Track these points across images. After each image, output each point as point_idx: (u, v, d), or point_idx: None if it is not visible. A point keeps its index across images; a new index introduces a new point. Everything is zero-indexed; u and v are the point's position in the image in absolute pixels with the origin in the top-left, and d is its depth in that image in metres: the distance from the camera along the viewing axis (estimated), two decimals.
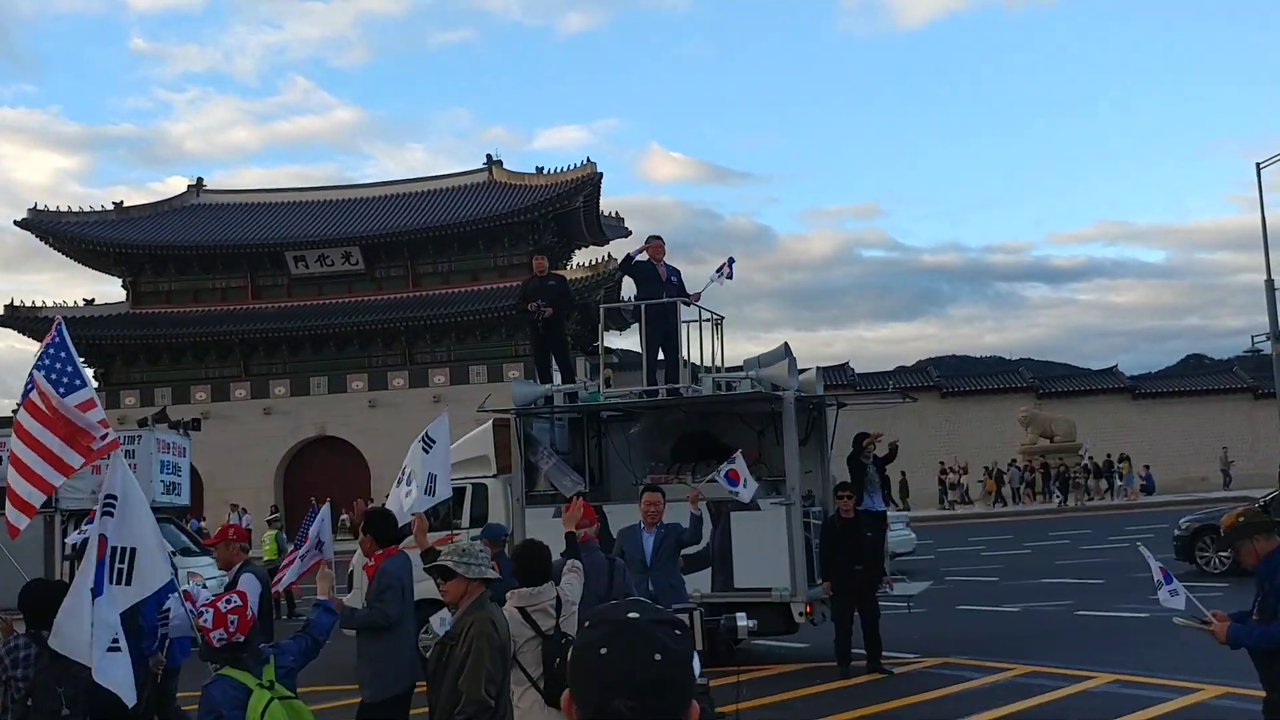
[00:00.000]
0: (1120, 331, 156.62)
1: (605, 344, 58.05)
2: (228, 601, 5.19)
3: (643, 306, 13.12)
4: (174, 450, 19.10)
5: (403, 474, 9.54)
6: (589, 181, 53.98)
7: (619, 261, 13.39)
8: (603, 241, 59.70)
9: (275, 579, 9.78)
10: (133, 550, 6.38)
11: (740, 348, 16.81)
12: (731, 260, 13.50)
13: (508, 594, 6.29)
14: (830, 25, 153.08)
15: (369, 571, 8.95)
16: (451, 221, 53.67)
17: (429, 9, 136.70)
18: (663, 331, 13.20)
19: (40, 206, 55.55)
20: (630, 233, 60.07)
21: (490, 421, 14.26)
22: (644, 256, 13.34)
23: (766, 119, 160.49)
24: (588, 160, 54.67)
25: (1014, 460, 49.66)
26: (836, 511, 12.19)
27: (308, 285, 54.58)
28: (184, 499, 19.73)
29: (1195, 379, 62.01)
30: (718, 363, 13.74)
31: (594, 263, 53.56)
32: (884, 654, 12.21)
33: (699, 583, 12.05)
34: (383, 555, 7.52)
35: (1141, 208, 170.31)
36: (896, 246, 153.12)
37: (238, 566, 7.76)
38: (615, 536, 12.99)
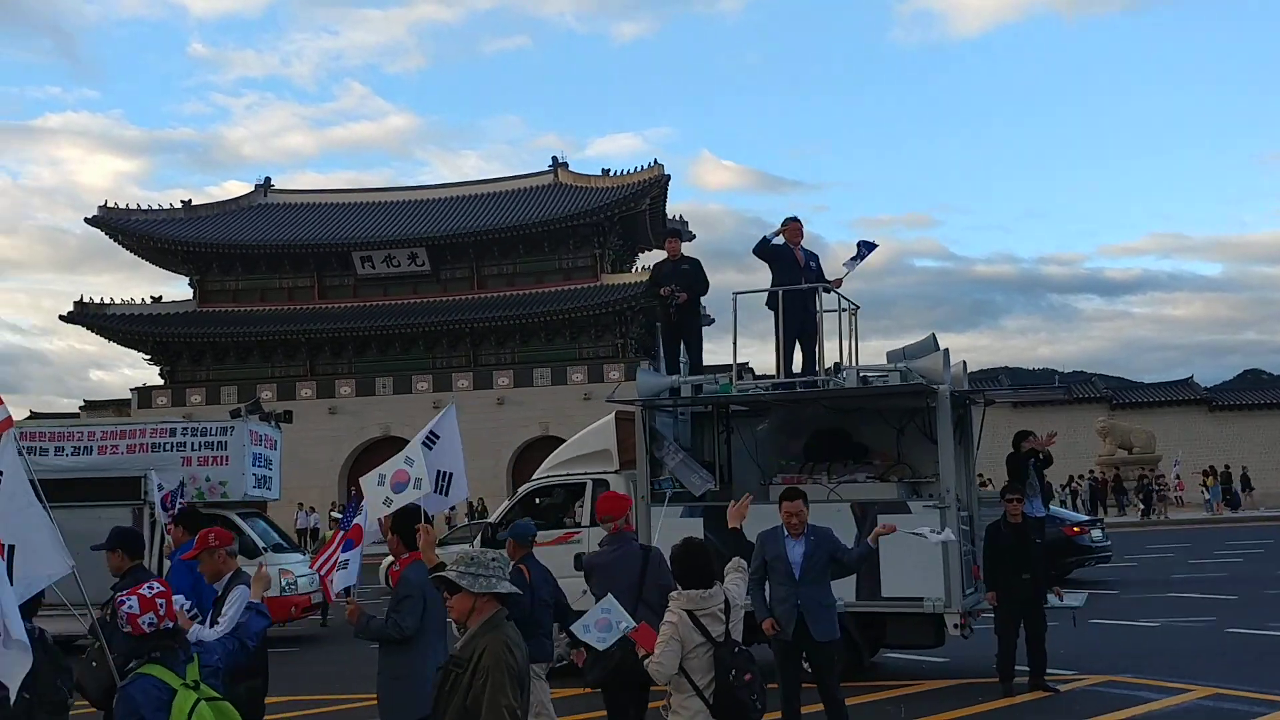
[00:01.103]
0: (1176, 345, 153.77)
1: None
2: (150, 588, 4.74)
3: (780, 294, 12.27)
4: (265, 442, 18.55)
5: (385, 474, 8.62)
6: (656, 184, 53.31)
7: (757, 243, 12.47)
8: None
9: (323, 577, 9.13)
10: (10, 547, 5.65)
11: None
12: (870, 244, 12.61)
13: (671, 595, 5.81)
14: (883, 34, 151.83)
15: (393, 576, 8.24)
16: (517, 223, 53.24)
17: (484, 16, 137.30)
18: (800, 320, 12.34)
19: (111, 204, 55.74)
20: (694, 236, 59.34)
21: (612, 414, 13.48)
22: (780, 240, 12.48)
23: (818, 127, 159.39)
24: (655, 162, 54.08)
25: (1091, 471, 48.25)
26: (1003, 516, 11.26)
27: (374, 286, 54.34)
28: (274, 493, 19.19)
29: (1269, 392, 60.10)
30: (851, 356, 12.85)
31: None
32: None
33: (842, 591, 11.10)
34: (409, 560, 6.91)
35: (1197, 220, 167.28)
36: (949, 256, 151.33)
37: (228, 577, 6.72)
38: (752, 540, 12.20)
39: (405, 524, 7.05)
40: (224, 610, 6.46)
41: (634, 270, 55.81)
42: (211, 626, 6.50)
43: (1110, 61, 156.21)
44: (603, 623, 6.14)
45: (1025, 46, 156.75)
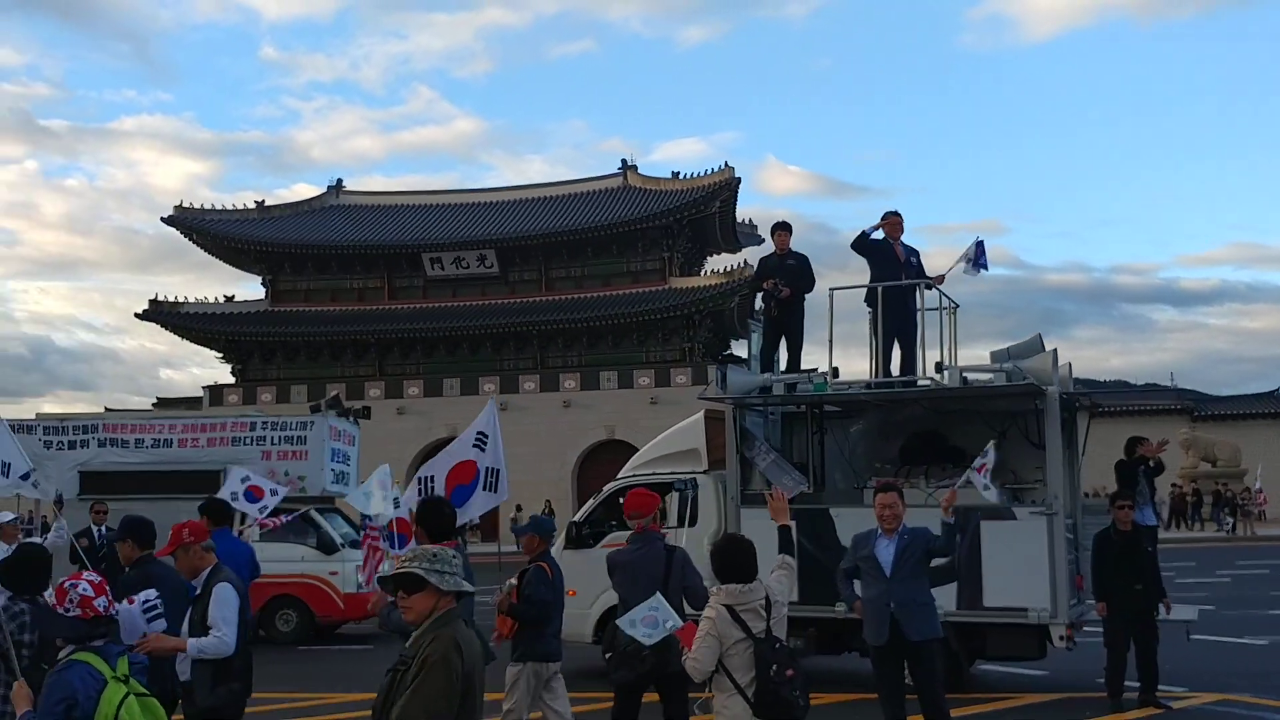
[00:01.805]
0: (1253, 358, 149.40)
1: (732, 351, 56.59)
2: (90, 575, 4.68)
3: (879, 290, 11.87)
4: (344, 438, 18.47)
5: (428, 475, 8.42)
6: (726, 186, 52.87)
7: (855, 238, 12.06)
8: (736, 249, 58.55)
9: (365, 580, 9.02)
10: None
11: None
12: (980, 244, 12.17)
13: (711, 590, 5.72)
14: (952, 38, 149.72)
15: None
16: (586, 225, 53.10)
17: (550, 20, 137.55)
18: (899, 318, 11.92)
19: (185, 204, 56.56)
20: (764, 240, 58.73)
21: (701, 413, 13.15)
22: (880, 234, 12.10)
23: (885, 132, 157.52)
24: (725, 165, 53.65)
25: (1173, 484, 46.99)
26: (1112, 524, 10.74)
27: (443, 287, 54.54)
28: (352, 489, 19.09)
29: None
30: (950, 356, 12.38)
31: (728, 269, 52.47)
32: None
33: (943, 600, 10.64)
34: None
35: (1277, 230, 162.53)
36: (1019, 265, 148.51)
37: (206, 573, 6.43)
38: (841, 542, 11.79)
39: (430, 515, 6.89)
40: (212, 612, 6.21)
41: (703, 274, 55.43)
42: (188, 624, 6.30)
43: (1186, 67, 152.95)
44: (649, 619, 6.16)
45: (1098, 51, 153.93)
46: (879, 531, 8.22)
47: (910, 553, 8.09)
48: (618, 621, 6.40)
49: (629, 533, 13.04)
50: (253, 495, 12.27)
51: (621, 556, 7.79)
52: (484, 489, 8.50)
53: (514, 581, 8.12)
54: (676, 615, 6.15)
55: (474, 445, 8.54)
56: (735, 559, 5.65)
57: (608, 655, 7.90)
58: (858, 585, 8.41)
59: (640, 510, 7.59)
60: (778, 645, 5.49)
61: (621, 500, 13.56)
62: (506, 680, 8.01)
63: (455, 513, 7.17)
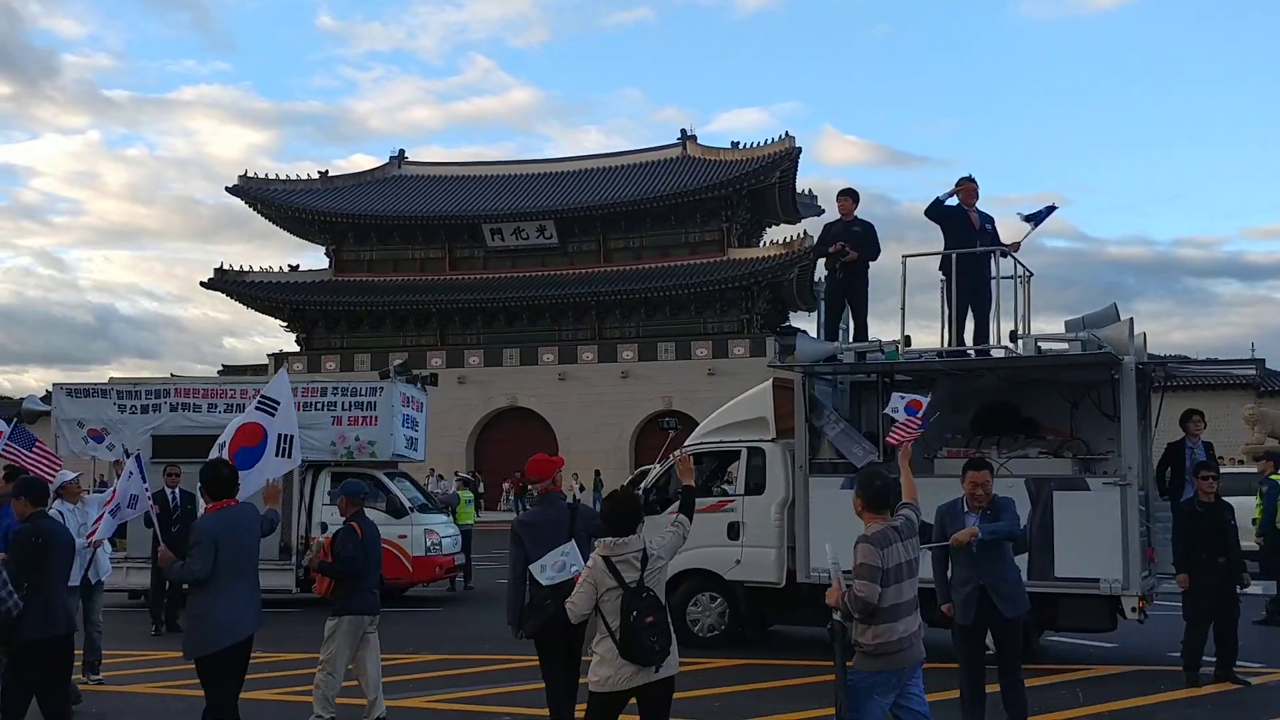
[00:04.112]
0: None
1: (790, 323, 56.16)
2: None
3: (953, 257, 11.76)
4: (413, 405, 18.72)
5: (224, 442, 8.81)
6: (786, 156, 52.51)
7: (929, 204, 11.94)
8: (795, 219, 58.16)
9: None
10: None
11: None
12: (1052, 206, 12.01)
13: (596, 541, 6.21)
14: (1014, 4, 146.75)
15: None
16: (645, 196, 53.04)
17: None
18: (973, 286, 11.81)
19: (249, 174, 57.29)
20: (824, 210, 58.26)
21: (769, 381, 13.14)
22: (954, 200, 11.97)
23: (945, 102, 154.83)
24: (785, 135, 53.21)
25: (1237, 459, 46.10)
26: (1194, 495, 10.60)
27: (502, 258, 54.86)
28: (420, 454, 19.36)
29: None
30: (1024, 325, 12.26)
31: (787, 240, 52.19)
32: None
33: None
34: (211, 509, 7.41)
35: None
36: (1080, 237, 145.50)
37: None
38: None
39: (209, 478, 7.45)
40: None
41: (762, 245, 55.19)
42: None
43: (1255, 34, 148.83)
44: (558, 564, 6.64)
45: (1164, 18, 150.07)
46: (965, 505, 8.11)
47: (1000, 531, 8.01)
48: (530, 568, 6.84)
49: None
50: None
51: (526, 518, 8.18)
52: (276, 454, 8.77)
53: (322, 541, 9.05)
54: (583, 562, 6.49)
55: (258, 409, 8.82)
56: (620, 514, 6.15)
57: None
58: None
59: (540, 475, 7.88)
60: (645, 595, 5.93)
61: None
62: (325, 631, 8.76)
63: (234, 472, 7.61)
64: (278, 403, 8.87)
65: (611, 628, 5.90)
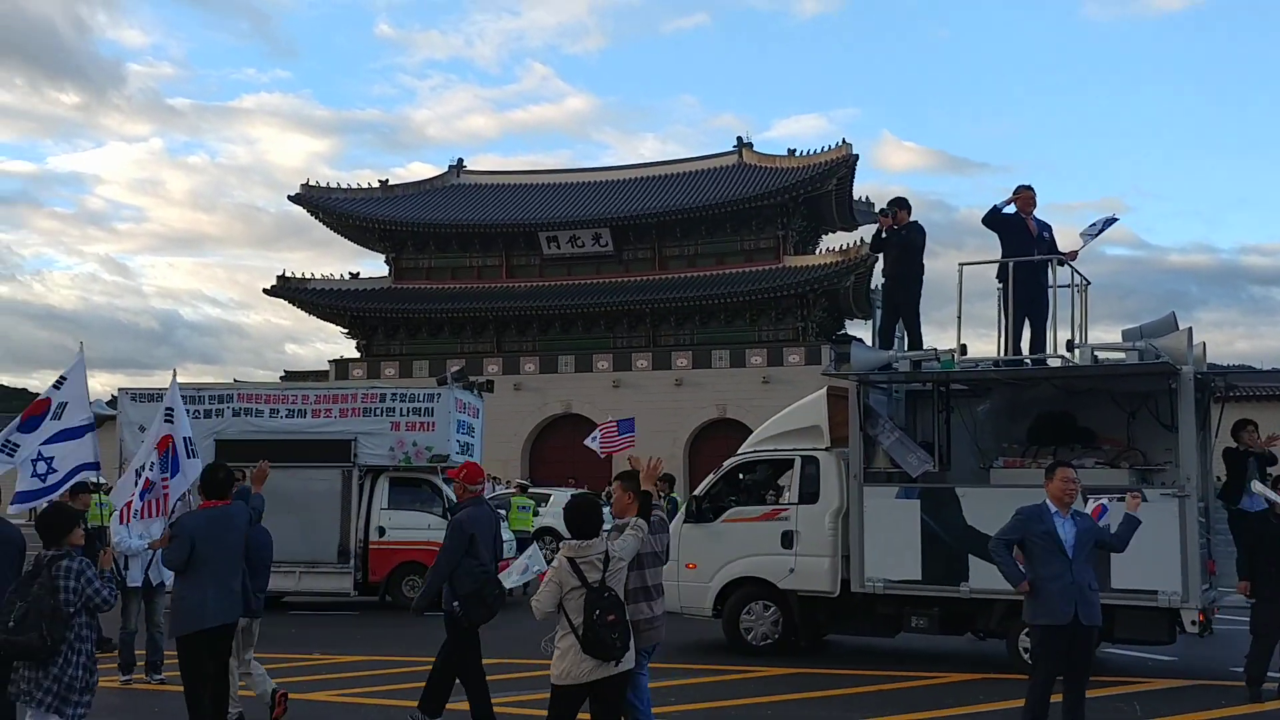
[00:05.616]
0: None
1: (846, 331, 55.79)
2: None
3: (1010, 265, 11.71)
4: (469, 411, 18.93)
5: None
6: (843, 164, 52.30)
7: (986, 212, 11.89)
8: (852, 226, 57.85)
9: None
10: None
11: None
12: (1112, 219, 11.92)
13: (561, 544, 6.62)
14: (1076, 7, 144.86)
15: None
16: (701, 204, 53.09)
17: None
18: (1030, 294, 11.75)
19: (311, 183, 58.18)
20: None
21: (824, 390, 13.15)
22: (1011, 208, 11.92)
23: (1005, 107, 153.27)
24: (842, 141, 52.99)
25: None
26: (1270, 508, 10.43)
27: (558, 265, 55.20)
28: (477, 459, 19.54)
29: None
30: (1081, 334, 12.17)
31: (844, 248, 51.93)
32: None
33: None
34: (201, 506, 8.27)
35: None
36: (1142, 245, 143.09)
37: None
38: (968, 522, 11.70)
39: (205, 479, 8.27)
40: None
41: (818, 252, 55.00)
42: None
43: None
44: (522, 567, 7.32)
45: (1229, 20, 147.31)
46: (1054, 509, 7.85)
47: (1088, 535, 7.85)
48: (500, 576, 7.62)
49: (748, 507, 13.19)
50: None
51: (463, 516, 8.89)
52: (188, 456, 9.38)
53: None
54: (545, 564, 7.13)
55: (164, 420, 9.37)
56: (582, 518, 6.60)
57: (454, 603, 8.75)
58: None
59: (478, 479, 9.22)
60: (607, 594, 6.36)
61: (742, 476, 13.76)
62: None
63: (229, 476, 8.34)
64: (172, 410, 9.49)
65: (574, 624, 6.30)
